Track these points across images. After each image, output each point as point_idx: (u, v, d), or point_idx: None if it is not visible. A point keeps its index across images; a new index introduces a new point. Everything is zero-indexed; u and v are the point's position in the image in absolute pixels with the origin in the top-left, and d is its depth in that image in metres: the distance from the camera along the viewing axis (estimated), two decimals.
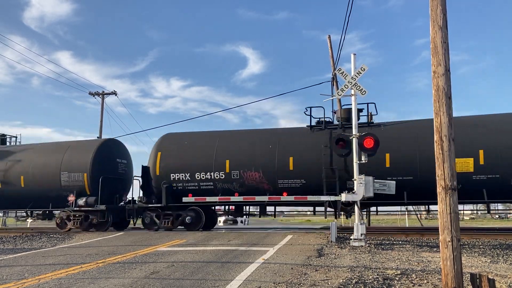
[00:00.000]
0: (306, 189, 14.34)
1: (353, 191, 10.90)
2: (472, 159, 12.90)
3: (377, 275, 6.44)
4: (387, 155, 13.56)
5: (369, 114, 14.86)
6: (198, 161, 15.61)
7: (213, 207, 17.09)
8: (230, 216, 28.43)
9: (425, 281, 6.01)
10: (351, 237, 10.67)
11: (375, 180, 10.80)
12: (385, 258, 8.36)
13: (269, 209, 16.79)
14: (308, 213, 21.44)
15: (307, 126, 15.35)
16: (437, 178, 5.05)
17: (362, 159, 10.91)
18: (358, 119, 11.83)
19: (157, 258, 8.63)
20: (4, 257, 9.69)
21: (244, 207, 16.93)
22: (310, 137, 15.00)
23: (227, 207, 17.37)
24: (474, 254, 9.07)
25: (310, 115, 15.23)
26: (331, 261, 7.99)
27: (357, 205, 10.81)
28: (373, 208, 15.98)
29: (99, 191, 16.74)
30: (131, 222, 18.65)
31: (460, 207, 14.75)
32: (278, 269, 7.09)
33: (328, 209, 14.39)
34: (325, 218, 15.93)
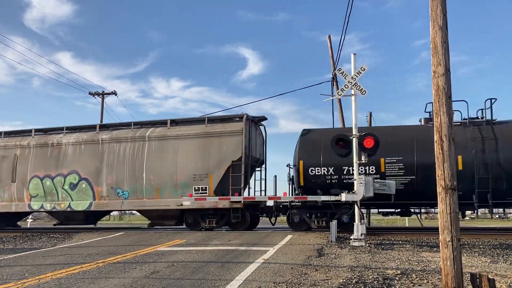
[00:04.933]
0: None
1: (353, 191, 10.90)
2: None
3: (377, 275, 6.44)
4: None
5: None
6: None
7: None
8: None
9: (425, 281, 6.01)
10: (351, 237, 10.67)
11: (375, 180, 10.81)
12: (385, 258, 8.37)
13: None
14: None
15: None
16: (437, 178, 5.05)
17: (362, 159, 10.92)
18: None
19: (157, 258, 8.63)
20: (4, 257, 9.69)
21: None
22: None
23: None
24: (474, 254, 9.07)
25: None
26: (331, 261, 7.99)
27: (357, 205, 10.81)
28: None
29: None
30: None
31: None
32: (278, 269, 7.09)
33: None
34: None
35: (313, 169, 14.09)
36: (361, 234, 10.50)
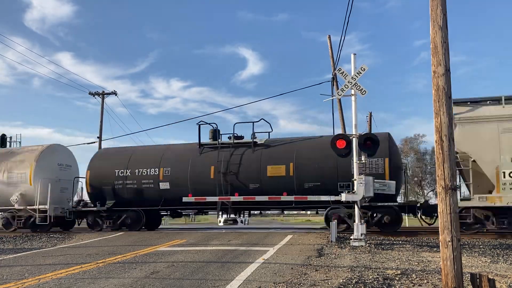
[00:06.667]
0: None
1: (353, 191, 10.90)
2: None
3: (377, 275, 6.44)
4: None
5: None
6: None
7: None
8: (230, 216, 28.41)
9: (425, 281, 6.01)
10: (351, 237, 10.67)
11: (375, 180, 10.81)
12: (385, 258, 8.36)
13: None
14: (309, 212, 21.53)
15: None
16: (437, 178, 5.05)
17: (362, 159, 10.91)
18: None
19: (157, 258, 8.63)
20: (4, 257, 9.69)
21: None
22: None
23: None
24: (474, 254, 9.07)
25: None
26: (331, 261, 7.99)
27: (357, 205, 10.80)
28: None
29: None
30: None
31: None
32: (278, 269, 7.09)
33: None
34: None
35: None
36: (361, 234, 10.49)
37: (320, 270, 6.94)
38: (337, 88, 21.53)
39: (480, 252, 9.47)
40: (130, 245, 11.03)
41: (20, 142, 20.76)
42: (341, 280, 6.04)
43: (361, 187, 10.59)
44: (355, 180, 10.86)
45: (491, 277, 4.70)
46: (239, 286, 5.86)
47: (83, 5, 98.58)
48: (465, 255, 8.73)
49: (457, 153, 12.39)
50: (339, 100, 21.91)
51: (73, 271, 7.41)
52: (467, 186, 13.05)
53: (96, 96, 32.36)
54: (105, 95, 32.30)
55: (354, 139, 11.00)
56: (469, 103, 13.18)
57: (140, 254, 9.27)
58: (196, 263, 7.81)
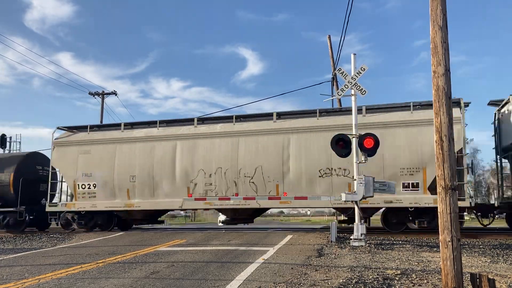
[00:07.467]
0: None
1: (354, 191, 10.90)
2: None
3: (377, 275, 6.44)
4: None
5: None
6: None
7: None
8: None
9: (425, 281, 6.01)
10: (351, 237, 10.67)
11: (375, 180, 10.80)
12: (385, 258, 8.36)
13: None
14: (308, 212, 21.66)
15: None
16: (437, 178, 5.05)
17: (362, 159, 10.91)
18: None
19: (157, 258, 8.63)
20: (4, 257, 9.69)
21: None
22: None
23: None
24: (474, 254, 9.07)
25: None
26: (331, 261, 7.99)
27: (357, 205, 10.80)
28: None
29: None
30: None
31: None
32: (278, 269, 7.09)
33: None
34: None
35: None
36: (361, 234, 10.49)
37: (320, 270, 6.94)
38: (337, 88, 21.53)
39: (480, 252, 9.47)
40: (130, 245, 11.03)
41: (20, 142, 20.77)
42: (341, 280, 6.05)
43: (361, 187, 10.59)
44: (355, 180, 10.86)
45: (491, 277, 4.70)
46: (239, 286, 5.86)
47: (83, 5, 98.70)
48: (465, 255, 8.73)
49: (53, 169, 17.44)
50: (339, 100, 21.91)
51: (73, 271, 7.42)
52: (51, 196, 17.35)
53: (96, 96, 32.37)
54: (105, 95, 32.31)
55: (354, 139, 11.00)
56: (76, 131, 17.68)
57: (140, 254, 9.27)
58: (196, 263, 7.81)
